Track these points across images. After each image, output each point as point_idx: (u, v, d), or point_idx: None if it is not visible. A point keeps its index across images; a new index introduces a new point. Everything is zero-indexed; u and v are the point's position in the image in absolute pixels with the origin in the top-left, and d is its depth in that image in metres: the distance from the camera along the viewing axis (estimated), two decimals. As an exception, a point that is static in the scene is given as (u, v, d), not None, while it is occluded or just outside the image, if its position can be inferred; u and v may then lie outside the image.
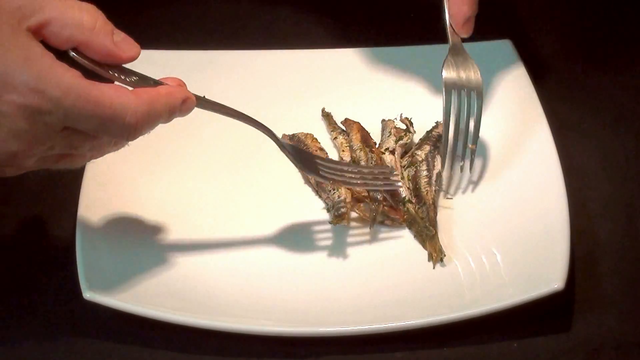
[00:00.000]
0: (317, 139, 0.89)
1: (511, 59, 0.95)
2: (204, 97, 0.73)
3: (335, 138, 0.89)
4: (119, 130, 0.65)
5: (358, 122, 0.90)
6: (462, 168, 0.86)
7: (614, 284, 0.78)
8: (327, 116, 0.92)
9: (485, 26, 1.03)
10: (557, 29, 1.05)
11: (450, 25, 0.88)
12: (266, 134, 0.78)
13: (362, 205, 0.81)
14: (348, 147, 0.87)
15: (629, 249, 0.81)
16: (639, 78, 0.98)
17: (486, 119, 0.91)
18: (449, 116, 0.85)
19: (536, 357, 0.74)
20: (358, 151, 0.86)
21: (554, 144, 0.85)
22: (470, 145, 0.85)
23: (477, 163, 0.87)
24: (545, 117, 0.88)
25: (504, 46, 0.97)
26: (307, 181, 0.86)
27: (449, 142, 0.85)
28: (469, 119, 0.85)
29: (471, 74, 0.86)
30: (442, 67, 0.86)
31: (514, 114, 0.90)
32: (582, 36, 1.03)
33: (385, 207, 0.80)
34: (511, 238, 0.79)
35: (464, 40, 0.88)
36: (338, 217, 0.81)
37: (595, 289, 0.78)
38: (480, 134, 0.90)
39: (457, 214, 0.83)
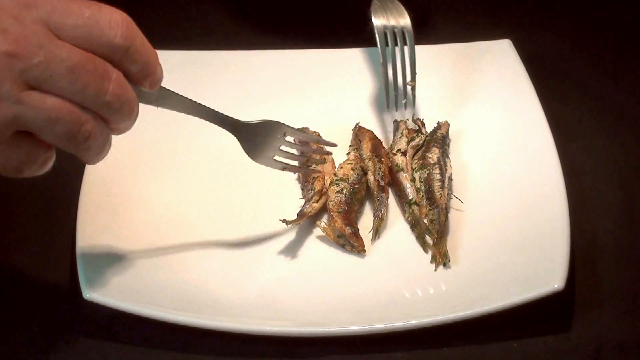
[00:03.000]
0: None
1: (511, 59, 0.95)
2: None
3: (348, 153, 0.89)
4: (110, 28, 0.62)
5: (370, 131, 0.89)
6: (405, 105, 0.91)
7: (614, 284, 0.78)
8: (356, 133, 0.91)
9: (485, 26, 1.04)
10: (557, 29, 1.05)
11: None
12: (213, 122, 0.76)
13: (324, 222, 0.81)
14: (348, 165, 0.86)
15: (629, 249, 0.81)
16: (638, 79, 0.98)
17: (486, 119, 0.91)
18: (385, 58, 0.90)
19: (536, 357, 0.74)
20: (367, 161, 0.86)
21: (554, 144, 0.85)
22: (409, 82, 0.90)
23: (477, 163, 0.87)
24: (545, 117, 0.88)
25: (504, 46, 0.97)
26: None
27: (389, 82, 0.90)
28: (404, 58, 0.90)
29: (399, 16, 0.91)
30: (371, 11, 0.91)
31: (514, 114, 0.90)
32: (582, 36, 1.03)
33: (348, 232, 0.80)
34: (511, 238, 0.79)
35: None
36: (299, 216, 0.81)
37: (595, 289, 0.78)
38: (480, 134, 0.90)
39: (456, 213, 0.83)
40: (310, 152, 0.84)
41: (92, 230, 0.79)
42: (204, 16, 1.07)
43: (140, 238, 0.81)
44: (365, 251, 0.80)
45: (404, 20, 0.91)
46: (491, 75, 0.95)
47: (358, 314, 0.75)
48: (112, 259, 0.78)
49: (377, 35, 0.90)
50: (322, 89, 0.96)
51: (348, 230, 0.80)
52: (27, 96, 0.60)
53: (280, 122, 0.80)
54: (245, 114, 0.93)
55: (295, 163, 0.82)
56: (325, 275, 0.79)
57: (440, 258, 0.79)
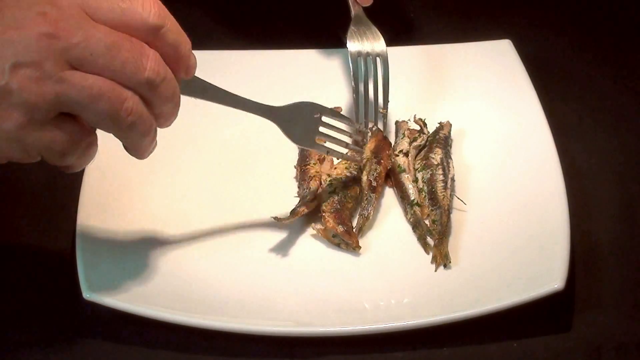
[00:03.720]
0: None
1: (511, 59, 0.95)
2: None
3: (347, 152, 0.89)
4: (143, 9, 0.64)
5: (381, 132, 0.90)
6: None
7: (614, 284, 0.78)
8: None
9: (485, 26, 1.04)
10: (557, 29, 1.05)
11: None
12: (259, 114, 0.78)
13: (319, 224, 0.81)
14: (342, 164, 0.86)
15: (629, 249, 0.81)
16: (638, 78, 0.98)
17: (486, 119, 0.91)
18: (358, 84, 0.90)
19: (536, 357, 0.74)
20: (364, 160, 0.86)
21: (554, 144, 0.85)
22: (381, 110, 0.90)
23: (477, 163, 0.87)
24: (545, 117, 0.88)
25: (504, 46, 0.97)
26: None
27: (360, 106, 0.90)
28: (376, 85, 0.90)
29: (374, 42, 0.91)
30: (347, 37, 0.91)
31: (514, 114, 0.90)
32: (582, 36, 1.03)
33: (340, 230, 0.80)
34: (511, 238, 0.79)
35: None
36: (292, 214, 0.81)
37: (595, 289, 0.78)
38: (480, 134, 0.90)
39: (456, 213, 0.83)
40: (349, 135, 0.85)
41: (92, 230, 0.79)
42: (204, 16, 1.07)
43: (140, 238, 0.81)
44: (359, 247, 0.80)
45: (380, 47, 0.91)
46: (491, 75, 0.95)
47: (358, 314, 0.75)
48: (112, 260, 0.78)
49: (350, 62, 0.90)
50: (322, 89, 0.96)
51: (340, 228, 0.80)
52: (69, 75, 0.62)
53: (312, 103, 0.81)
54: (245, 114, 0.93)
55: (337, 147, 0.83)
56: (325, 275, 0.79)
57: (441, 259, 0.79)
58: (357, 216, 0.83)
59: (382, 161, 0.86)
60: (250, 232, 0.82)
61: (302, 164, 0.87)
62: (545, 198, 0.81)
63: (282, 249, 0.81)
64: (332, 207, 0.82)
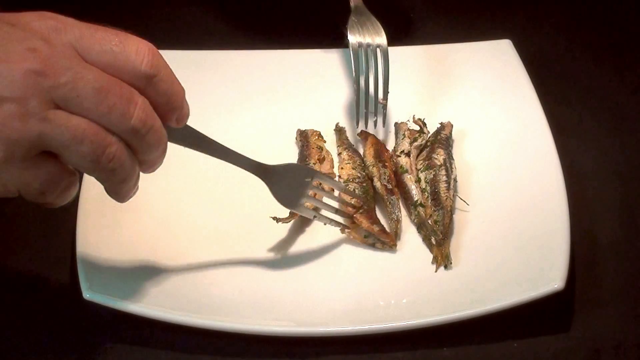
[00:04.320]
0: (323, 137, 0.90)
1: (511, 59, 0.95)
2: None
3: (340, 154, 0.89)
4: (136, 55, 0.63)
5: (373, 135, 0.89)
6: (375, 123, 0.90)
7: (614, 284, 0.78)
8: (339, 131, 0.91)
9: (485, 26, 1.04)
10: (557, 29, 1.05)
11: None
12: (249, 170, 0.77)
13: (353, 225, 0.81)
14: (348, 164, 0.87)
15: (629, 249, 0.81)
16: (638, 78, 0.98)
17: (486, 119, 0.91)
18: (359, 75, 0.89)
19: (536, 357, 0.74)
20: (371, 167, 0.86)
21: (554, 145, 0.85)
22: (380, 100, 0.89)
23: (476, 163, 0.87)
24: (545, 117, 0.88)
25: (504, 46, 0.97)
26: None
27: (361, 99, 0.89)
28: (377, 76, 0.90)
29: (375, 33, 0.90)
30: (347, 28, 0.91)
31: (514, 114, 0.90)
32: (582, 36, 1.03)
33: (376, 230, 0.80)
34: (511, 238, 0.79)
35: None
36: (290, 214, 0.81)
37: (595, 289, 0.78)
38: (480, 134, 0.90)
39: (457, 213, 0.83)
40: (339, 201, 0.82)
41: (92, 230, 0.79)
42: (204, 16, 1.07)
43: (140, 238, 0.81)
44: (396, 245, 0.80)
45: (380, 39, 0.90)
46: (491, 75, 0.95)
47: (358, 314, 0.75)
48: (112, 259, 0.78)
49: (351, 52, 0.90)
50: (321, 89, 0.96)
51: (376, 228, 0.80)
52: (53, 114, 0.61)
53: (305, 166, 0.80)
54: (245, 114, 0.94)
55: (327, 213, 0.81)
56: (325, 275, 0.79)
57: (442, 259, 0.79)
58: (389, 221, 0.82)
59: (386, 163, 0.86)
60: (250, 232, 0.82)
61: (302, 163, 0.87)
62: (545, 198, 0.81)
63: (281, 249, 0.81)
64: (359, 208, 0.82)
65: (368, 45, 0.90)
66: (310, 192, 0.80)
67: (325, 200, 0.82)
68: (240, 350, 0.74)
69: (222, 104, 0.94)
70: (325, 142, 0.90)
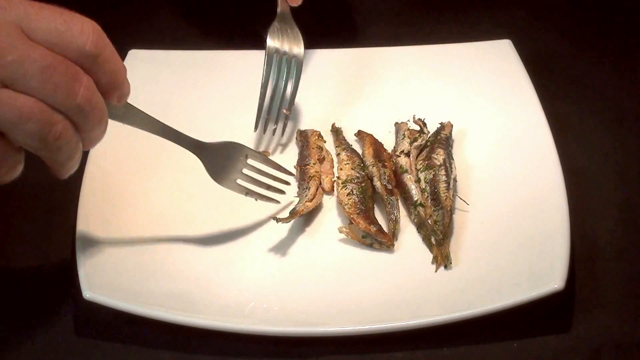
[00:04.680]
0: (323, 137, 0.90)
1: (511, 59, 0.95)
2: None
3: (338, 154, 0.89)
4: (81, 34, 0.63)
5: (371, 135, 0.89)
6: (274, 131, 0.91)
7: (614, 284, 0.78)
8: (336, 132, 0.91)
9: (485, 26, 1.04)
10: (557, 28, 1.05)
11: None
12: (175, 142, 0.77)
13: (351, 226, 0.81)
14: (347, 165, 0.87)
15: (629, 249, 0.81)
16: (639, 78, 0.98)
17: (486, 119, 0.91)
18: (267, 80, 0.90)
19: (536, 357, 0.74)
20: (370, 167, 0.86)
21: (554, 145, 0.85)
22: (284, 110, 0.90)
23: (476, 163, 0.87)
24: (545, 117, 0.88)
25: (504, 46, 0.97)
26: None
27: (264, 104, 0.90)
28: (286, 84, 0.91)
29: (294, 44, 0.91)
30: (267, 32, 0.91)
31: (514, 114, 0.90)
32: (582, 36, 1.04)
33: (374, 230, 0.80)
34: (511, 238, 0.79)
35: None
36: (292, 214, 0.81)
37: (595, 289, 0.78)
38: (480, 134, 0.90)
39: (457, 213, 0.83)
40: (271, 177, 0.83)
41: (92, 230, 0.79)
42: (204, 16, 1.07)
43: (140, 238, 0.81)
44: (394, 245, 0.80)
45: (298, 49, 0.91)
46: (491, 75, 0.95)
47: (358, 314, 0.75)
48: (112, 259, 0.78)
49: (265, 58, 0.91)
50: (320, 89, 0.96)
51: (373, 228, 0.80)
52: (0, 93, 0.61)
53: (241, 144, 0.81)
54: (244, 114, 0.94)
55: (257, 188, 0.82)
56: (325, 275, 0.79)
57: (442, 259, 0.79)
58: (387, 221, 0.82)
59: (386, 163, 0.86)
60: (249, 232, 0.82)
61: (302, 164, 0.87)
62: (545, 198, 0.81)
63: (281, 249, 0.81)
64: (356, 209, 0.82)
65: (284, 53, 0.91)
66: (245, 170, 0.81)
67: (257, 177, 0.82)
68: (240, 350, 0.74)
69: (220, 104, 0.94)
70: (325, 142, 0.90)
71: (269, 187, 0.82)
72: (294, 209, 0.82)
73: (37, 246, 0.82)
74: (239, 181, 0.81)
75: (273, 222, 0.81)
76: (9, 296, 0.78)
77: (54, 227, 0.83)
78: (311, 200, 0.83)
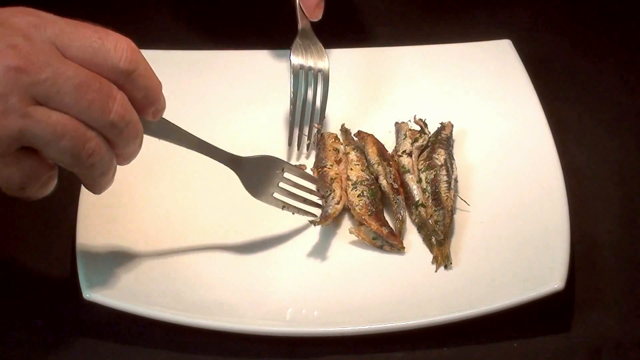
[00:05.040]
0: (339, 139, 0.90)
1: (511, 59, 0.95)
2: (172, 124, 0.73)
3: (348, 154, 0.89)
4: (115, 51, 0.64)
5: (372, 135, 0.89)
6: (308, 146, 0.90)
7: (614, 284, 0.78)
8: (345, 132, 0.91)
9: (485, 26, 1.04)
10: (557, 29, 1.05)
11: (301, 9, 0.92)
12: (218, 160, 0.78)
13: (362, 227, 0.81)
14: (357, 166, 0.87)
15: (629, 249, 0.81)
16: (639, 78, 0.98)
17: (486, 119, 0.91)
18: (296, 97, 0.90)
19: (536, 357, 0.74)
20: (376, 165, 0.86)
21: (554, 145, 0.85)
22: (316, 125, 0.90)
23: (476, 163, 0.87)
24: (545, 117, 0.88)
25: (504, 46, 0.97)
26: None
27: (296, 121, 0.90)
28: (314, 100, 0.91)
29: (318, 58, 0.91)
30: (290, 50, 0.91)
31: (514, 114, 0.90)
32: (582, 36, 1.03)
33: (385, 232, 0.80)
34: (511, 238, 0.79)
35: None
36: (324, 217, 0.81)
37: (595, 289, 0.78)
38: (480, 134, 0.90)
39: (457, 213, 0.83)
40: (308, 191, 0.83)
41: (92, 230, 0.79)
42: (204, 16, 1.07)
43: (141, 238, 0.81)
44: (404, 248, 0.80)
45: (323, 63, 0.91)
46: (491, 75, 0.95)
47: (358, 314, 0.75)
48: (112, 259, 0.78)
49: (291, 74, 0.91)
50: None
51: (385, 230, 0.80)
52: (34, 111, 0.62)
53: (278, 158, 0.81)
54: (244, 114, 0.94)
55: (294, 202, 0.81)
56: (325, 275, 0.79)
57: (443, 260, 0.79)
58: (394, 221, 0.82)
59: (390, 162, 0.86)
60: (252, 233, 0.82)
61: (319, 166, 0.86)
62: (545, 198, 0.81)
63: (281, 249, 0.81)
64: (367, 210, 0.82)
65: (309, 68, 0.91)
66: (282, 184, 0.81)
67: (295, 191, 0.82)
68: (240, 350, 0.74)
69: (219, 103, 0.94)
70: (342, 144, 0.89)
71: (304, 201, 0.82)
72: (326, 212, 0.81)
73: (38, 246, 0.82)
74: (276, 195, 0.81)
75: (275, 222, 0.81)
76: (9, 296, 0.78)
77: (55, 227, 0.83)
78: (339, 202, 0.82)
